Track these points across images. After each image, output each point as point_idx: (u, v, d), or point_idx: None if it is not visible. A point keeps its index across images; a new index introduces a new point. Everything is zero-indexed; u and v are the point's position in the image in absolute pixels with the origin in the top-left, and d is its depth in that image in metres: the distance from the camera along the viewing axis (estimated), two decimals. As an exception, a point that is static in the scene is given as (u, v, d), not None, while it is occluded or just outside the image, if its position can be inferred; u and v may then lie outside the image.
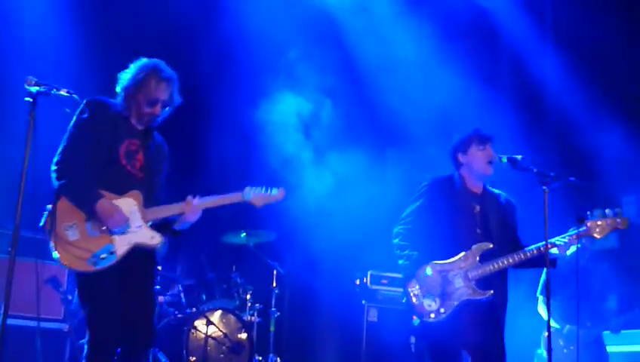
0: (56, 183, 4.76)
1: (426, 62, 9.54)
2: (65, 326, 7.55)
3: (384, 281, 8.78)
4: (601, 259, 8.93)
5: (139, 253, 4.83)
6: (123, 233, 4.75)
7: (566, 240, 5.40)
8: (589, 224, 5.41)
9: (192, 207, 4.91)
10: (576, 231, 5.42)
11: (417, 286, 5.40)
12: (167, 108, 5.02)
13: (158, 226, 4.97)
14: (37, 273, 5.24)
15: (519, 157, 5.36)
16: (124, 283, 4.78)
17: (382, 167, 9.21)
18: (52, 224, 4.68)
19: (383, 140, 9.49)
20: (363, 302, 8.72)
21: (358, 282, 8.90)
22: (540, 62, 10.02)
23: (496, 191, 5.74)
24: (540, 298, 7.70)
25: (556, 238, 5.41)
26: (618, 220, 5.42)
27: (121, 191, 4.83)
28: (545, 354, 7.55)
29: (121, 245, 4.77)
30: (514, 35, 10.07)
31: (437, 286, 5.37)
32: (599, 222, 5.41)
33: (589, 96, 9.53)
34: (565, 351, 7.52)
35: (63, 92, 4.71)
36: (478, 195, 5.62)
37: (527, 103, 10.20)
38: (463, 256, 5.42)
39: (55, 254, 4.68)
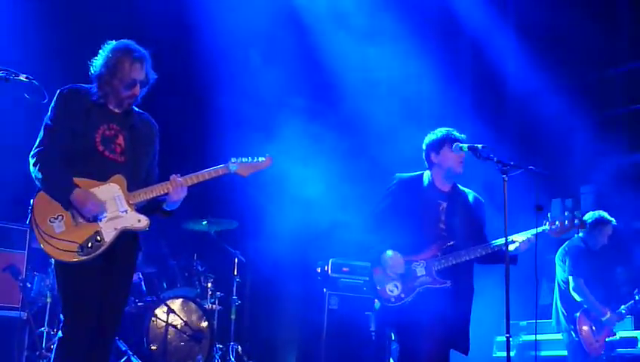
0: (33, 176, 4.70)
1: (387, 50, 9.57)
2: (24, 314, 7.48)
3: (345, 269, 8.79)
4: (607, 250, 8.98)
5: (124, 238, 4.78)
6: (101, 219, 4.70)
7: (525, 238, 5.63)
8: (548, 225, 5.62)
9: (176, 185, 4.84)
10: (538, 229, 5.60)
11: (381, 272, 5.63)
12: (145, 88, 4.92)
13: (150, 208, 4.92)
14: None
15: (480, 146, 5.47)
16: (107, 269, 4.74)
17: (344, 156, 9.23)
18: (35, 218, 4.64)
19: (345, 129, 9.51)
20: (324, 289, 8.73)
21: (319, 270, 8.90)
22: (502, 51, 10.09)
23: (466, 189, 5.94)
24: (571, 278, 7.69)
25: (515, 235, 5.63)
26: (576, 222, 5.63)
27: (103, 178, 4.76)
28: (574, 335, 7.60)
29: (108, 232, 4.70)
30: (475, 21, 10.11)
31: (400, 274, 5.59)
32: (557, 223, 5.63)
33: (550, 85, 9.62)
34: (594, 328, 7.59)
35: (22, 77, 4.66)
36: (446, 193, 5.81)
37: (487, 92, 10.28)
38: (427, 249, 5.65)
39: (43, 247, 4.64)
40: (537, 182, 5.43)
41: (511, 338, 5.25)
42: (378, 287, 5.66)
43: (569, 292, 7.66)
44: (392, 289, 5.61)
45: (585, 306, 7.63)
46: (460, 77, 10.30)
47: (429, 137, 5.84)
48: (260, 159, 5.14)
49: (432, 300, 5.55)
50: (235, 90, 9.36)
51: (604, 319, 7.62)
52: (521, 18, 10.31)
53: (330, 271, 8.85)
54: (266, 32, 9.38)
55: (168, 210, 4.97)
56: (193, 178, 4.95)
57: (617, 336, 7.85)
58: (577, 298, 7.61)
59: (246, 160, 5.10)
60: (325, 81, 9.56)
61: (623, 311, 7.75)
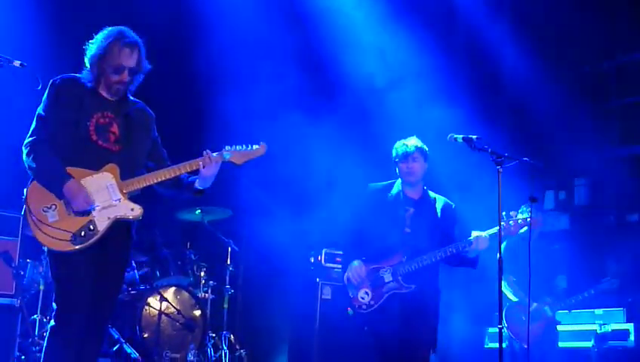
0: (26, 166, 4.70)
1: (382, 42, 9.56)
2: (16, 302, 7.46)
3: (338, 259, 8.79)
4: (552, 240, 9.02)
5: (118, 227, 4.78)
6: (92, 210, 4.69)
7: (479, 235, 5.92)
8: (503, 224, 5.78)
9: (212, 160, 4.90)
10: (494, 230, 5.84)
11: (351, 279, 6.00)
12: (137, 76, 4.90)
13: (184, 187, 5.00)
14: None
15: (474, 137, 5.51)
16: (100, 258, 4.74)
17: (340, 147, 9.23)
18: (28, 207, 4.65)
19: (341, 121, 9.51)
20: (317, 279, 8.74)
21: (312, 260, 8.91)
22: (497, 42, 10.07)
23: (437, 196, 6.27)
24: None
25: (474, 233, 5.95)
26: (529, 220, 5.86)
27: (96, 167, 4.75)
28: (505, 326, 7.61)
29: (102, 220, 4.70)
30: (471, 11, 10.08)
31: (369, 281, 5.99)
32: (511, 222, 5.90)
33: (545, 77, 9.61)
34: (525, 319, 7.59)
35: (16, 63, 4.64)
36: (414, 200, 6.18)
37: (482, 84, 10.26)
38: (393, 255, 6.00)
39: (36, 236, 4.65)
40: (531, 174, 5.46)
41: (503, 330, 5.28)
42: (351, 295, 6.03)
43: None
44: (364, 296, 5.98)
45: (513, 300, 7.66)
46: (455, 68, 10.27)
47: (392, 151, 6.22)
48: (255, 147, 5.13)
49: (399, 304, 5.93)
50: (233, 83, 9.35)
51: (532, 309, 7.65)
52: (516, 9, 10.29)
53: (323, 261, 8.87)
54: (264, 25, 9.35)
55: (201, 188, 5.00)
56: (187, 166, 4.95)
57: (601, 327, 7.90)
58: (507, 293, 7.64)
59: (240, 148, 5.08)
60: (320, 73, 9.56)
61: (571, 303, 7.79)
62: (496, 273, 5.39)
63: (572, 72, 9.92)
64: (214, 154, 5.00)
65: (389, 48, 9.46)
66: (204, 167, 4.91)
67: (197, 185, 5.01)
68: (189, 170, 4.96)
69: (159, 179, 4.88)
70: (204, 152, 4.93)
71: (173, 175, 4.92)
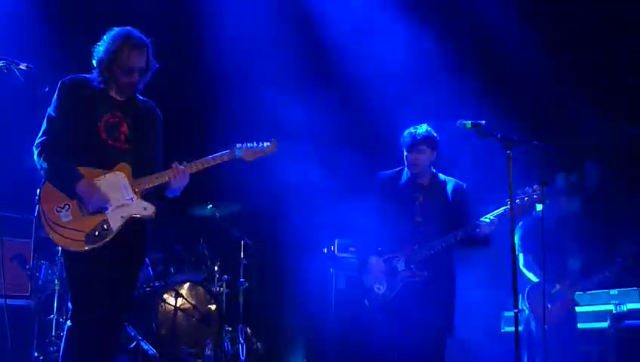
0: (37, 166, 4.73)
1: (389, 29, 9.53)
2: (32, 303, 7.50)
3: (352, 249, 8.79)
4: (564, 223, 8.98)
5: (131, 226, 4.80)
6: (106, 210, 4.70)
7: (488, 220, 5.88)
8: (509, 204, 5.64)
9: (177, 173, 4.85)
10: (500, 210, 5.86)
11: (368, 273, 6.06)
12: (146, 75, 4.92)
13: (154, 195, 4.94)
14: (2, 250, 5.23)
15: (483, 122, 5.44)
16: (115, 257, 4.76)
17: (349, 139, 9.22)
18: (42, 208, 4.67)
19: (349, 111, 9.49)
20: (331, 270, 8.75)
21: (325, 250, 8.91)
22: (504, 23, 10.01)
23: (448, 178, 6.22)
24: (520, 256, 7.69)
25: (484, 217, 5.90)
26: (535, 196, 5.80)
27: (107, 167, 4.77)
28: (526, 309, 7.57)
29: (115, 220, 4.72)
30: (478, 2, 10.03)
31: (383, 272, 6.00)
32: (517, 200, 5.78)
33: (554, 61, 9.56)
34: (549, 306, 7.57)
35: (23, 66, 4.66)
36: (424, 186, 6.16)
37: (490, 67, 10.21)
38: (405, 244, 6.00)
39: (51, 237, 4.68)
40: (542, 157, 5.43)
41: (519, 314, 5.26)
42: (366, 287, 6.04)
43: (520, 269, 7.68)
44: (379, 287, 6.00)
45: (534, 281, 7.60)
46: (462, 50, 10.23)
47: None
48: (266, 144, 5.18)
49: (413, 293, 5.92)
50: (238, 79, 9.35)
51: (553, 291, 7.60)
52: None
53: (336, 251, 8.86)
54: (269, 18, 9.34)
55: (170, 196, 4.98)
56: (198, 165, 4.97)
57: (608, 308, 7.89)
58: (527, 274, 7.60)
59: (251, 145, 5.12)
60: (326, 63, 9.53)
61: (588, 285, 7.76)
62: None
63: (581, 52, 9.86)
64: (226, 151, 5.03)
65: (395, 33, 9.43)
66: (172, 180, 4.89)
67: (167, 193, 5.00)
68: (200, 168, 4.97)
69: (167, 179, 4.89)
70: (173, 165, 4.90)
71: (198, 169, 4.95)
